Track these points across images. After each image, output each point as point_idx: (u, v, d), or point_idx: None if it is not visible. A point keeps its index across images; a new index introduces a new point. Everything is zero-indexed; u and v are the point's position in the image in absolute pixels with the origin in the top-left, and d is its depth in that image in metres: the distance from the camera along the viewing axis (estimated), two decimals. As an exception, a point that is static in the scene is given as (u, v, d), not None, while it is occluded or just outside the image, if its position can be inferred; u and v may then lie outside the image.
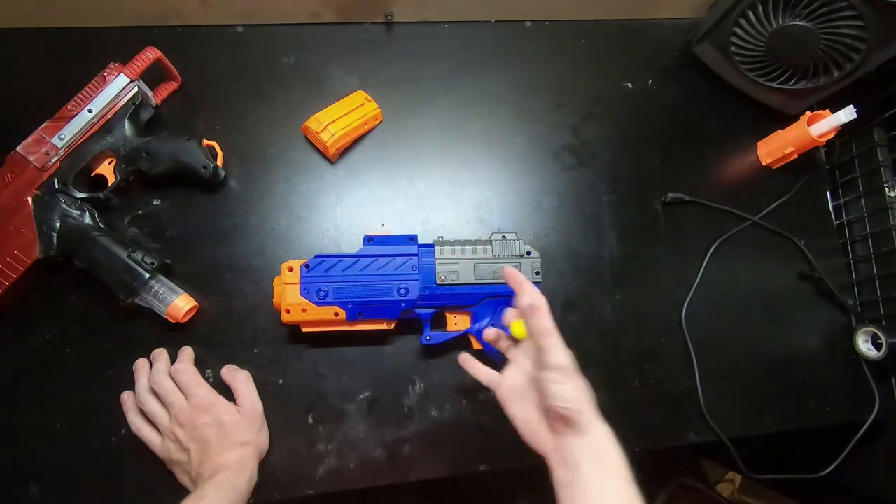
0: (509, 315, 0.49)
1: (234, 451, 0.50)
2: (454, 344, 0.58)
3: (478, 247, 0.55)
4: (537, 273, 0.55)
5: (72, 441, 0.53)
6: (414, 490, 1.00)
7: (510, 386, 0.46)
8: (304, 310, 0.52)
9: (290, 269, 0.53)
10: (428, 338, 0.55)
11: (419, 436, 0.56)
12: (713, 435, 0.61)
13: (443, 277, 0.54)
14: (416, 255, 0.54)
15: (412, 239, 0.55)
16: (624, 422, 0.61)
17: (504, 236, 0.56)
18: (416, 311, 0.54)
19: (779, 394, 0.64)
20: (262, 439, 0.53)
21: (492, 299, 0.55)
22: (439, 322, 0.57)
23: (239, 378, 0.54)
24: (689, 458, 1.12)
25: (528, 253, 0.56)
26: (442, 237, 0.57)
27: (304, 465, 0.55)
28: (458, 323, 0.57)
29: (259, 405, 0.54)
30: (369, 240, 0.55)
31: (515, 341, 0.48)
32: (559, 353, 0.42)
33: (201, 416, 0.50)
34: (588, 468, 0.39)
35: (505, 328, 0.49)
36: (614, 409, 0.60)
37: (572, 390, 0.41)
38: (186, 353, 0.55)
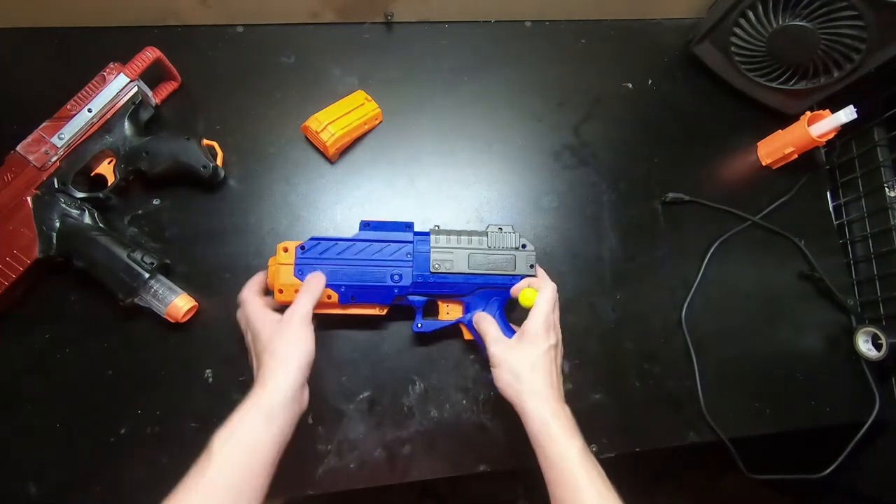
0: (522, 284, 0.54)
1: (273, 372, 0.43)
2: (452, 342, 0.58)
3: (473, 237, 0.55)
4: (531, 266, 0.55)
5: (72, 441, 0.53)
6: (414, 490, 0.99)
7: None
8: (297, 291, 0.51)
9: (286, 250, 0.52)
10: (419, 325, 0.55)
11: (419, 436, 0.56)
12: (713, 435, 0.61)
13: (437, 266, 0.54)
14: (411, 241, 0.54)
15: (408, 226, 0.55)
16: (624, 422, 0.61)
17: (500, 228, 0.56)
18: (409, 299, 0.54)
19: (779, 394, 0.64)
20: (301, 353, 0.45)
21: (485, 290, 0.55)
22: (431, 310, 0.57)
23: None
24: (689, 458, 1.11)
25: (524, 246, 0.56)
26: (438, 226, 0.57)
27: (304, 465, 0.54)
28: (450, 312, 0.56)
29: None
30: (366, 224, 0.54)
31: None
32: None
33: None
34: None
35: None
36: (614, 409, 0.60)
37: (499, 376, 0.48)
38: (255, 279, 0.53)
